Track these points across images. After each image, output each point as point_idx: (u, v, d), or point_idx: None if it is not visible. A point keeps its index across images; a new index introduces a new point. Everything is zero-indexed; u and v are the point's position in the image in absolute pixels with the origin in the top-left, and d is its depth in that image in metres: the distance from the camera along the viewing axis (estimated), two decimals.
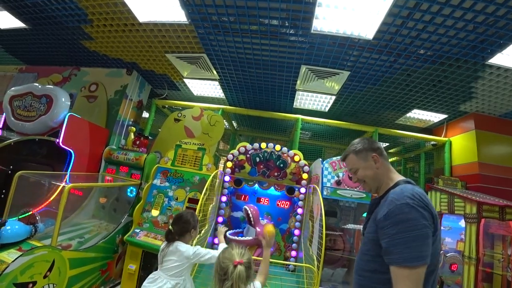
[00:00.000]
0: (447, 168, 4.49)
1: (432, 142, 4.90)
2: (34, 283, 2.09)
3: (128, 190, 3.59)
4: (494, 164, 3.96)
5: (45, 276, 2.17)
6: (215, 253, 2.06)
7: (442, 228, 3.50)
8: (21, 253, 2.04)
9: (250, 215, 2.89)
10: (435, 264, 1.10)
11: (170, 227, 2.09)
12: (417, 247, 1.01)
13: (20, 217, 2.56)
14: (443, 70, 3.18)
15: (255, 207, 3.02)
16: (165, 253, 2.01)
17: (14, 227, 2.25)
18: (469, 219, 3.08)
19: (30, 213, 2.63)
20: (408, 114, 4.60)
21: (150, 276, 2.00)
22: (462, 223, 3.29)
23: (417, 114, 4.56)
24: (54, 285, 2.27)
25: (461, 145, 4.37)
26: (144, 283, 1.96)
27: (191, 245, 2.14)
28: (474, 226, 3.01)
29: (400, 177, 1.32)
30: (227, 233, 2.98)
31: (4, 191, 2.68)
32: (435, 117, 4.55)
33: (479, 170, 3.92)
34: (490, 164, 3.96)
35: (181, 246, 2.02)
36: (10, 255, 2.04)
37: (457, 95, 3.73)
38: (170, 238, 2.06)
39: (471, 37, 2.58)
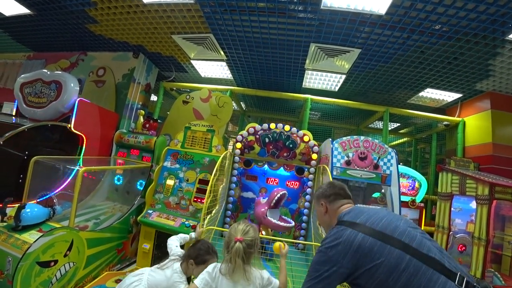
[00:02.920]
0: (459, 149, 4.40)
1: (445, 123, 4.79)
2: (56, 261, 2.20)
3: (138, 183, 3.65)
4: (509, 145, 3.86)
5: (65, 255, 2.28)
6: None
7: (452, 209, 3.49)
8: (41, 234, 2.13)
9: (281, 199, 2.89)
10: (394, 284, 1.04)
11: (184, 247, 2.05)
12: (308, 286, 1.18)
13: (38, 200, 2.66)
14: (459, 46, 3.04)
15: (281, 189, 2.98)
16: (165, 266, 1.90)
17: (33, 209, 2.33)
18: (481, 200, 3.05)
19: (48, 196, 2.73)
20: (421, 94, 4.47)
21: (139, 271, 1.89)
22: (473, 204, 3.26)
23: (430, 94, 4.43)
24: (74, 263, 2.39)
25: (475, 125, 4.25)
26: (129, 277, 1.84)
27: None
28: (485, 208, 2.98)
29: (337, 218, 1.38)
30: (268, 217, 2.86)
31: (21, 175, 2.77)
32: (449, 96, 4.41)
33: (493, 151, 3.83)
34: (504, 145, 3.85)
35: (178, 275, 1.83)
36: (31, 236, 2.13)
37: (473, 73, 3.59)
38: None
39: (491, 10, 2.43)
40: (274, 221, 2.85)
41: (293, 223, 2.95)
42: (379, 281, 1.07)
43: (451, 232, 3.44)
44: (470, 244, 3.14)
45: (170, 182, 3.26)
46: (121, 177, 3.75)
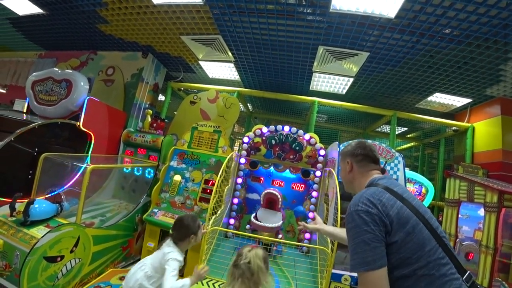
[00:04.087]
0: (468, 155, 4.33)
1: (453, 128, 4.72)
2: (62, 257, 2.23)
3: (146, 171, 3.70)
4: None
5: (71, 251, 2.31)
6: (171, 283, 1.70)
7: (460, 216, 3.43)
8: (49, 230, 2.17)
9: (280, 199, 2.90)
10: (415, 262, 1.03)
11: (170, 231, 2.01)
12: (359, 254, 1.04)
13: (47, 196, 2.70)
14: (470, 51, 3.00)
15: (278, 190, 3.02)
16: (161, 244, 1.95)
17: (42, 205, 2.38)
18: (489, 208, 3.00)
19: (56, 192, 2.77)
20: (429, 98, 4.42)
21: (142, 260, 1.95)
22: (481, 211, 3.21)
23: (439, 98, 4.38)
24: (80, 259, 2.42)
25: (484, 131, 4.18)
26: (132, 268, 1.91)
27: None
28: (493, 216, 2.93)
29: (368, 181, 1.33)
30: (252, 217, 2.98)
31: (31, 172, 2.82)
32: (458, 101, 4.35)
33: (503, 158, 3.76)
34: None
35: (167, 248, 1.88)
36: (39, 231, 2.17)
37: (483, 78, 3.53)
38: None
39: (503, 14, 2.40)
40: (256, 222, 2.89)
41: (275, 224, 2.89)
42: (402, 256, 1.04)
43: (458, 240, 3.39)
44: (478, 252, 3.09)
45: (177, 178, 3.29)
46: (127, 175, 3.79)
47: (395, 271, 1.05)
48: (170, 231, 2.00)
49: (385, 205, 1.09)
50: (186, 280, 1.73)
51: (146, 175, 3.69)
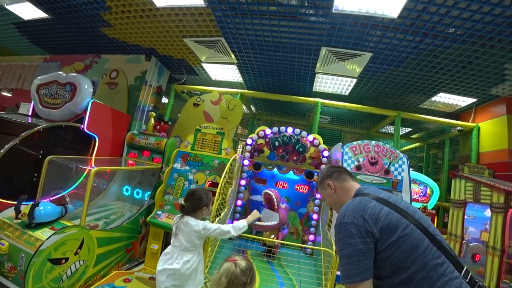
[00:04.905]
0: (473, 155, 4.29)
1: (458, 128, 4.68)
2: (67, 259, 2.23)
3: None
4: None
5: (76, 253, 2.32)
6: (224, 227, 2.08)
7: (466, 217, 3.39)
8: (54, 232, 2.18)
9: (274, 199, 2.90)
10: (411, 265, 1.02)
11: (182, 202, 2.11)
12: (343, 266, 1.08)
13: (51, 198, 2.71)
14: (474, 50, 2.97)
15: (276, 191, 3.03)
16: (177, 226, 2.03)
17: (46, 207, 2.38)
18: (496, 208, 2.96)
19: (60, 195, 2.79)
20: (434, 98, 4.39)
21: (165, 251, 2.04)
22: (487, 212, 3.17)
23: (443, 98, 4.35)
24: (84, 261, 2.42)
25: (490, 131, 4.14)
26: (160, 261, 2.00)
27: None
28: (500, 216, 2.89)
29: (354, 192, 1.34)
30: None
31: (36, 174, 2.84)
32: (463, 101, 4.32)
33: (509, 158, 3.71)
34: None
35: (191, 220, 2.02)
36: (44, 233, 2.18)
37: (488, 78, 3.50)
38: (183, 213, 2.08)
39: (507, 13, 2.37)
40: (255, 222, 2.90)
41: (272, 223, 2.88)
42: (397, 261, 1.04)
43: (464, 241, 3.35)
44: (484, 254, 3.05)
45: (180, 183, 3.30)
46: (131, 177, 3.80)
47: (394, 277, 1.05)
48: (183, 202, 2.10)
49: (372, 213, 1.10)
50: (243, 221, 2.22)
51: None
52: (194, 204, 2.07)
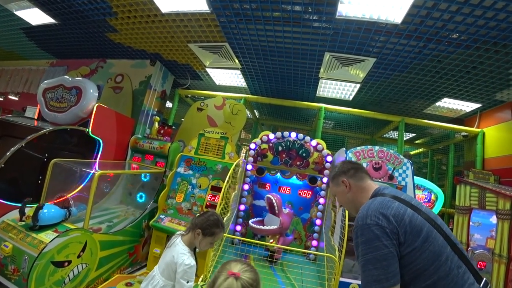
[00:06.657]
0: (478, 160, 4.24)
1: (463, 133, 4.64)
2: (69, 262, 2.24)
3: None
4: None
5: (78, 256, 2.32)
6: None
7: (471, 223, 3.35)
8: (57, 234, 2.19)
9: (275, 204, 2.89)
10: (433, 273, 0.97)
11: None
12: (371, 271, 0.98)
13: (55, 201, 2.73)
14: (479, 55, 2.97)
15: (278, 195, 3.02)
16: (171, 240, 1.84)
17: (50, 210, 2.40)
18: (502, 215, 2.92)
19: (64, 197, 2.80)
20: (438, 103, 4.37)
21: (150, 273, 1.84)
22: (493, 219, 3.12)
23: (448, 103, 4.32)
24: (87, 265, 2.42)
25: (495, 136, 4.11)
26: (145, 280, 1.82)
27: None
28: (506, 223, 2.85)
29: (372, 192, 1.26)
30: (250, 221, 3.01)
31: (40, 177, 2.86)
32: (467, 106, 4.29)
33: None
34: None
35: (181, 245, 1.75)
36: (47, 236, 2.19)
37: (493, 83, 3.48)
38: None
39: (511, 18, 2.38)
40: (253, 225, 2.90)
41: (271, 227, 2.86)
42: (419, 268, 0.98)
43: (469, 248, 3.30)
44: (490, 261, 3.00)
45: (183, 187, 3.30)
46: (134, 181, 3.81)
47: (413, 285, 1.00)
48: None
49: (396, 214, 1.03)
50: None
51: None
52: (195, 221, 1.80)
